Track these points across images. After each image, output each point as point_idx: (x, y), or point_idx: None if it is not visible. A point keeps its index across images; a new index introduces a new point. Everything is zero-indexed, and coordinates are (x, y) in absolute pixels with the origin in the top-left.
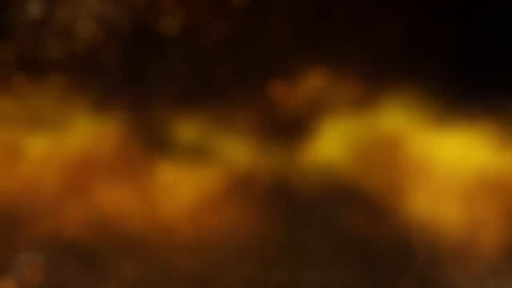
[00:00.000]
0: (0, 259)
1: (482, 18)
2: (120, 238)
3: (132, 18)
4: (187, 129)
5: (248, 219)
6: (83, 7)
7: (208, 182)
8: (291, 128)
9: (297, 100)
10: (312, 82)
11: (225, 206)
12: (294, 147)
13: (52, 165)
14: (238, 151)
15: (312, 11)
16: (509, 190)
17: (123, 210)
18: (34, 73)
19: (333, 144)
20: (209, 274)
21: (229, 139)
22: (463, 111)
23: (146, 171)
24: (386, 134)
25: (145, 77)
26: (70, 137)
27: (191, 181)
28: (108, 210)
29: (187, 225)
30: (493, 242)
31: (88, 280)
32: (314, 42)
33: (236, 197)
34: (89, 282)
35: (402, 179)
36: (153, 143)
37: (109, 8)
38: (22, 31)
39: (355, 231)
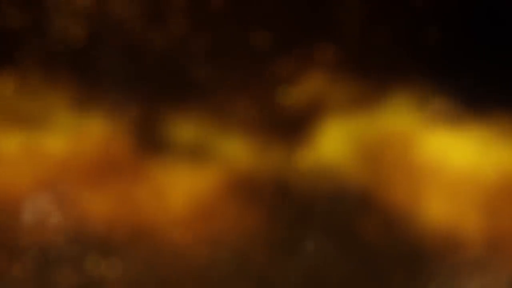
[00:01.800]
0: None
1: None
2: (111, 242)
3: (117, 21)
4: (185, 129)
5: (248, 219)
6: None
7: (207, 182)
8: (291, 128)
9: (297, 100)
10: (312, 82)
11: (224, 206)
12: (294, 147)
13: (30, 166)
14: (238, 151)
15: (311, 10)
16: None
17: (114, 213)
18: (11, 68)
19: (334, 144)
20: (208, 275)
21: (229, 139)
22: (479, 109)
23: (141, 172)
24: (392, 134)
25: (136, 74)
26: (52, 136)
27: (189, 181)
28: (97, 214)
29: (186, 226)
30: None
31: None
32: (313, 41)
33: (236, 198)
34: None
35: (412, 182)
36: (149, 142)
37: (92, 8)
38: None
39: (358, 235)
